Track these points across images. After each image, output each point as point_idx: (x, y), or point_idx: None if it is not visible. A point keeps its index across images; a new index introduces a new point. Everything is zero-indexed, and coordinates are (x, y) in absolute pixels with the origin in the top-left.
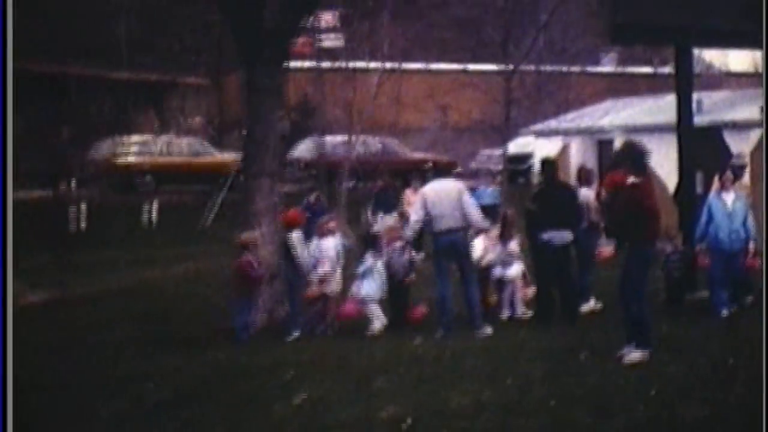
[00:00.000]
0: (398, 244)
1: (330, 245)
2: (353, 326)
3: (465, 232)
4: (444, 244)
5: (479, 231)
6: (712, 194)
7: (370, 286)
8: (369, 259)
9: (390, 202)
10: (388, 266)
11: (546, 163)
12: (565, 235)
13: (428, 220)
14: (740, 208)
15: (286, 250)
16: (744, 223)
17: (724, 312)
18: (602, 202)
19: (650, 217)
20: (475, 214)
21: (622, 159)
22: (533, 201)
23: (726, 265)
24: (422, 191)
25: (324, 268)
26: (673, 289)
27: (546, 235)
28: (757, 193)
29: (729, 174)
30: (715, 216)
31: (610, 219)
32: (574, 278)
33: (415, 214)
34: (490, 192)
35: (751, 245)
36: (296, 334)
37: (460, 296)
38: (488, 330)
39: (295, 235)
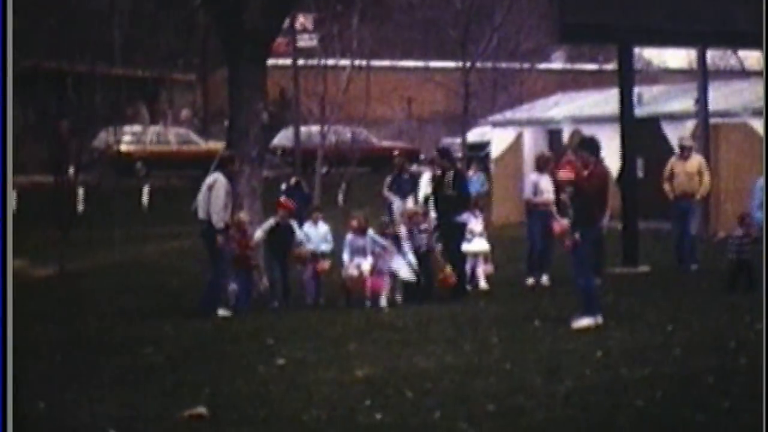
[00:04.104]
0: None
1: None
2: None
3: (209, 224)
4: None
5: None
6: (761, 180)
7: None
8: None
9: (405, 186)
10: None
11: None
12: None
13: None
14: None
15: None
16: None
17: None
18: (561, 188)
19: (605, 203)
20: (213, 209)
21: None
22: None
23: None
24: None
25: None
26: (743, 271)
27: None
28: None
29: None
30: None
31: (575, 205)
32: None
33: None
34: (476, 179)
35: None
36: (275, 304)
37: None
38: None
39: (268, 222)
